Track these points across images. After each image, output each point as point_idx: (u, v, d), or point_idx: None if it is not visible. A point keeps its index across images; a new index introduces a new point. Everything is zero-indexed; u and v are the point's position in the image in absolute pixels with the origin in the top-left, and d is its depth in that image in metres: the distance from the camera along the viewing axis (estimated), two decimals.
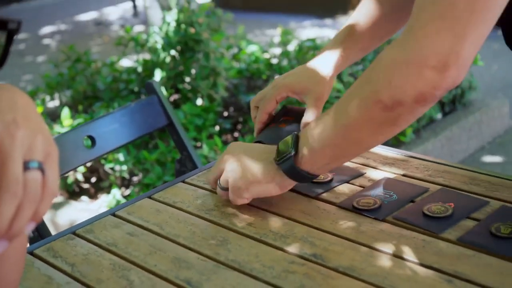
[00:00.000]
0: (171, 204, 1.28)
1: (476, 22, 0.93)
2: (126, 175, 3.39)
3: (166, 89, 3.71)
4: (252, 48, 4.50)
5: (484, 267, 0.99)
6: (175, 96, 3.87)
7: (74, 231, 1.22)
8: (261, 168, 1.16)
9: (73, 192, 3.54)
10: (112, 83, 4.03)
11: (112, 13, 9.77)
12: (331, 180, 1.30)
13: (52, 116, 3.98)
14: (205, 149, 3.15)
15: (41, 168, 0.66)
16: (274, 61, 4.45)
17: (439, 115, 4.04)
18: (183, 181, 1.38)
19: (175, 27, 3.70)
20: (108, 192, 3.32)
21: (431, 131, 3.86)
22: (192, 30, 3.65)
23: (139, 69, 3.94)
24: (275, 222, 1.17)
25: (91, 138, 1.73)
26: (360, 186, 1.28)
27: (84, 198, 3.48)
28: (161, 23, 3.92)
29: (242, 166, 1.18)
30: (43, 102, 4.11)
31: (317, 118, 1.16)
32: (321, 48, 4.28)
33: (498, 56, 5.41)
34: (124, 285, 1.03)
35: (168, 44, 3.69)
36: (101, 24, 9.08)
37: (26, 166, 0.65)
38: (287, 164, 1.12)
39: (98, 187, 3.51)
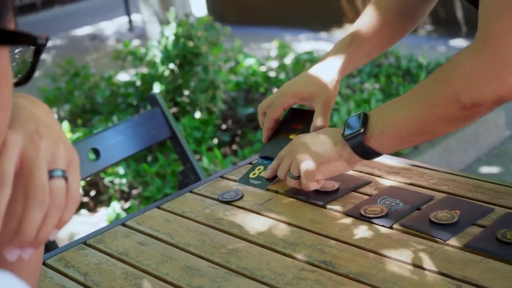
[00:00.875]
0: (180, 214, 1.30)
1: None
2: (126, 188, 3.40)
3: (165, 102, 3.72)
4: (250, 62, 4.53)
5: (492, 272, 1.00)
6: (173, 109, 3.89)
7: (85, 241, 1.23)
8: (329, 147, 1.23)
9: None
10: (110, 97, 4.04)
11: (107, 27, 9.79)
12: (337, 189, 1.32)
13: None
14: (205, 162, 3.16)
15: (64, 176, 0.68)
16: (272, 74, 4.47)
17: None
18: (191, 191, 1.39)
19: (173, 40, 3.73)
20: (108, 205, 3.33)
21: (429, 142, 3.87)
22: (190, 44, 3.68)
23: (138, 83, 3.96)
24: (284, 231, 1.19)
25: (95, 150, 1.75)
26: (366, 195, 1.30)
27: (83, 211, 3.49)
28: (160, 37, 3.94)
29: (310, 151, 1.24)
30: None
31: (386, 103, 1.22)
32: (319, 60, 4.28)
33: None
34: None
35: (167, 58, 3.72)
36: (96, 38, 9.10)
37: (50, 175, 0.67)
38: (356, 141, 1.19)
39: (97, 200, 3.51)
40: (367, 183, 1.35)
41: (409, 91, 1.18)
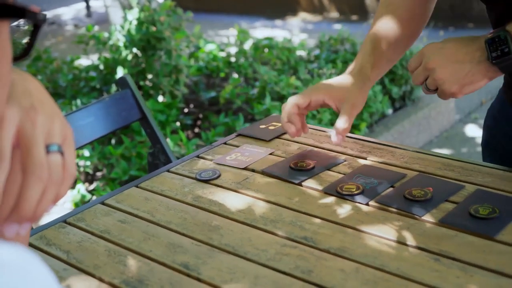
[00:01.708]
0: (159, 193, 1.31)
1: None
2: (90, 171, 3.39)
3: None
4: (210, 47, 4.54)
5: (467, 246, 1.04)
6: None
7: (65, 220, 1.24)
8: (472, 69, 1.20)
9: None
10: (73, 80, 4.02)
11: (65, 13, 9.65)
12: (313, 168, 1.35)
13: None
14: (170, 144, 3.17)
15: (60, 151, 0.68)
16: (232, 59, 4.50)
17: (390, 111, 4.15)
18: (168, 171, 1.41)
19: (136, 25, 3.71)
20: (73, 187, 3.31)
21: (383, 125, 3.96)
22: (153, 29, 3.67)
23: (101, 67, 3.94)
24: (263, 208, 1.21)
25: None
26: (341, 173, 1.33)
27: None
28: (122, 21, 3.92)
29: (451, 72, 1.21)
30: None
31: None
32: (277, 46, 4.25)
33: None
34: (122, 270, 1.05)
35: (130, 42, 3.70)
36: (54, 23, 8.98)
37: (47, 150, 0.67)
38: (507, 63, 1.16)
39: None
40: (341, 162, 1.37)
41: None
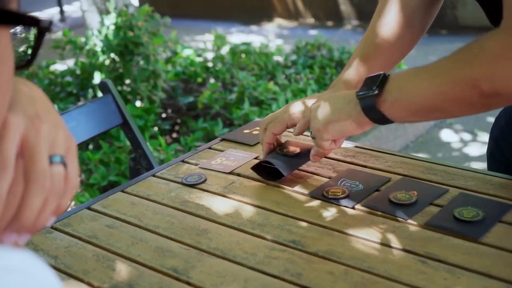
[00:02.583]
0: (145, 197, 1.31)
1: None
2: None
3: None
4: (187, 52, 4.55)
5: (453, 248, 1.05)
6: None
7: (51, 225, 1.23)
8: (339, 106, 1.19)
9: None
10: (49, 85, 3.99)
11: None
12: (299, 153, 1.36)
13: None
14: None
15: (63, 162, 0.67)
16: (209, 64, 4.51)
17: None
18: (154, 175, 1.41)
19: (114, 30, 3.71)
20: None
21: None
22: (131, 34, 3.66)
23: (78, 72, 3.92)
24: (250, 212, 1.22)
25: None
26: (326, 177, 1.34)
27: None
28: (99, 26, 3.91)
29: (322, 109, 1.20)
30: None
31: (408, 70, 1.15)
32: (254, 52, 4.25)
33: (416, 62, 5.70)
34: (111, 275, 1.05)
35: (108, 47, 3.69)
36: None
37: (50, 161, 0.66)
38: (368, 101, 1.14)
39: None
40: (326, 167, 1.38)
41: (434, 63, 1.10)
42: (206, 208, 1.24)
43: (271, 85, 3.87)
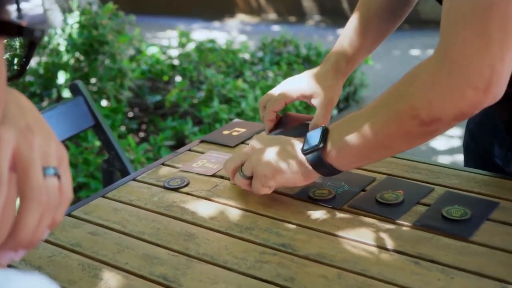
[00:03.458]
0: (127, 203, 1.28)
1: (510, 40, 0.95)
2: None
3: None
4: (152, 50, 4.50)
5: (444, 248, 1.05)
6: None
7: None
8: (288, 158, 1.17)
9: None
10: (10, 85, 3.90)
11: None
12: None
13: None
14: None
15: (57, 174, 0.65)
16: (175, 62, 4.47)
17: (335, 112, 4.19)
18: (134, 179, 1.38)
19: (78, 29, 3.65)
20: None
21: None
22: (96, 32, 3.61)
23: (41, 71, 3.85)
24: (237, 215, 1.20)
25: None
26: None
27: None
28: (62, 25, 3.84)
29: (268, 156, 1.18)
30: None
31: (346, 117, 1.15)
32: (221, 49, 4.25)
33: (381, 57, 5.90)
34: (99, 285, 1.02)
35: (72, 46, 3.63)
36: None
37: (43, 173, 0.63)
38: (314, 156, 1.13)
39: None
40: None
41: (371, 104, 1.11)
42: (192, 212, 1.22)
43: (239, 82, 3.85)
